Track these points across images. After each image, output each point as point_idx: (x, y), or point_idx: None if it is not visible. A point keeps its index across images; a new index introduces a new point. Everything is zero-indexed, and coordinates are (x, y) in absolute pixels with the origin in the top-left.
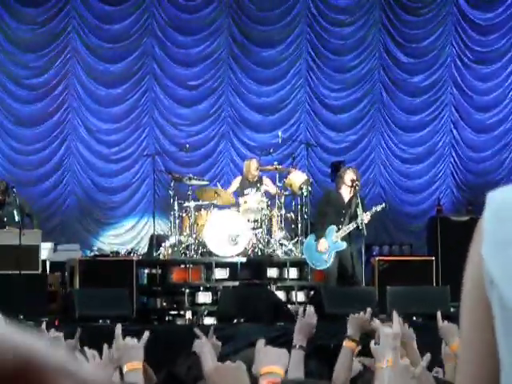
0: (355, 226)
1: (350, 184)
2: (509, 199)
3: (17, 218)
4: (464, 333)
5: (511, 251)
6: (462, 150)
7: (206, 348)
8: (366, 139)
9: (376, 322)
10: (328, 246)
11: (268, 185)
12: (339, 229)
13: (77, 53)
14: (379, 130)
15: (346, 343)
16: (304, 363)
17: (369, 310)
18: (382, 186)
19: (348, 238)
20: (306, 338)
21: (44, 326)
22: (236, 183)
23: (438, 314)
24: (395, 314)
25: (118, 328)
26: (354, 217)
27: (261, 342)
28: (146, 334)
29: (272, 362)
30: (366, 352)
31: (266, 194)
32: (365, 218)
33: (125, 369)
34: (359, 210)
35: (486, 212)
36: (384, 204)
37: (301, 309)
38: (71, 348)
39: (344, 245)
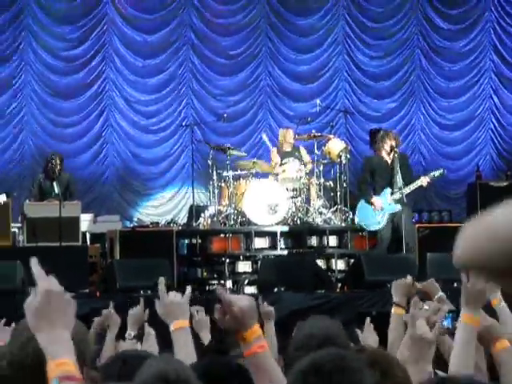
0: (414, 188)
1: (388, 150)
2: None
3: (57, 190)
4: None
5: None
6: (502, 116)
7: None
8: (405, 106)
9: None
10: (383, 206)
11: (303, 154)
12: (394, 191)
13: (113, 24)
14: (419, 96)
15: (395, 310)
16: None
17: (409, 277)
18: (422, 153)
19: (402, 203)
20: None
21: None
22: (274, 155)
23: None
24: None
25: (162, 282)
26: (398, 184)
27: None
28: (189, 289)
29: None
30: None
31: (302, 163)
32: (424, 181)
33: (171, 327)
34: (399, 178)
35: None
36: (442, 170)
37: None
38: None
39: (398, 207)
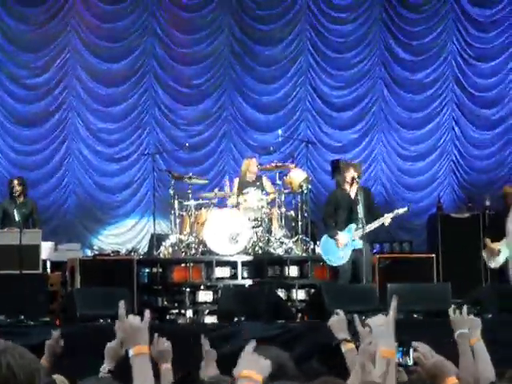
0: (376, 226)
1: (350, 181)
2: None
3: (17, 218)
4: None
5: None
6: (464, 147)
7: None
8: (367, 137)
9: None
10: (346, 242)
11: (267, 186)
12: (358, 227)
13: (76, 52)
14: (380, 127)
15: (345, 346)
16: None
17: (340, 312)
18: (383, 184)
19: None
20: None
21: None
22: (236, 184)
23: (465, 308)
24: (394, 301)
25: (122, 307)
26: (370, 216)
27: (251, 345)
28: (147, 312)
29: (253, 367)
30: None
31: (264, 192)
32: (387, 219)
33: (131, 352)
34: (360, 209)
35: None
36: (407, 208)
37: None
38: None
39: (361, 243)
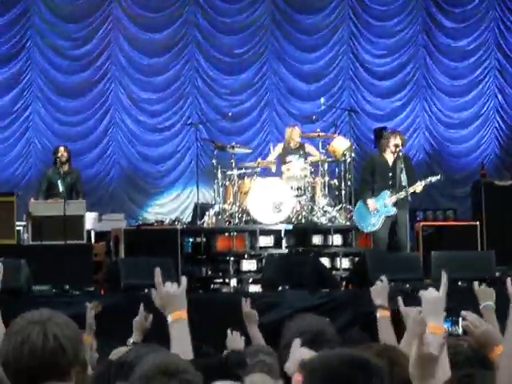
0: (406, 193)
1: (393, 149)
2: None
3: (61, 189)
4: None
5: None
6: (507, 114)
7: None
8: (410, 105)
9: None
10: (378, 208)
11: (311, 152)
12: (391, 193)
13: (119, 22)
14: (423, 95)
15: (381, 313)
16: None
17: (384, 278)
18: (427, 152)
19: (399, 203)
20: None
21: None
22: (278, 149)
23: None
24: (444, 277)
25: (158, 274)
26: (403, 182)
27: (297, 342)
28: (184, 279)
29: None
30: None
31: (306, 159)
32: (418, 187)
33: (169, 319)
34: (403, 176)
35: None
36: (440, 175)
37: None
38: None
39: (394, 210)
